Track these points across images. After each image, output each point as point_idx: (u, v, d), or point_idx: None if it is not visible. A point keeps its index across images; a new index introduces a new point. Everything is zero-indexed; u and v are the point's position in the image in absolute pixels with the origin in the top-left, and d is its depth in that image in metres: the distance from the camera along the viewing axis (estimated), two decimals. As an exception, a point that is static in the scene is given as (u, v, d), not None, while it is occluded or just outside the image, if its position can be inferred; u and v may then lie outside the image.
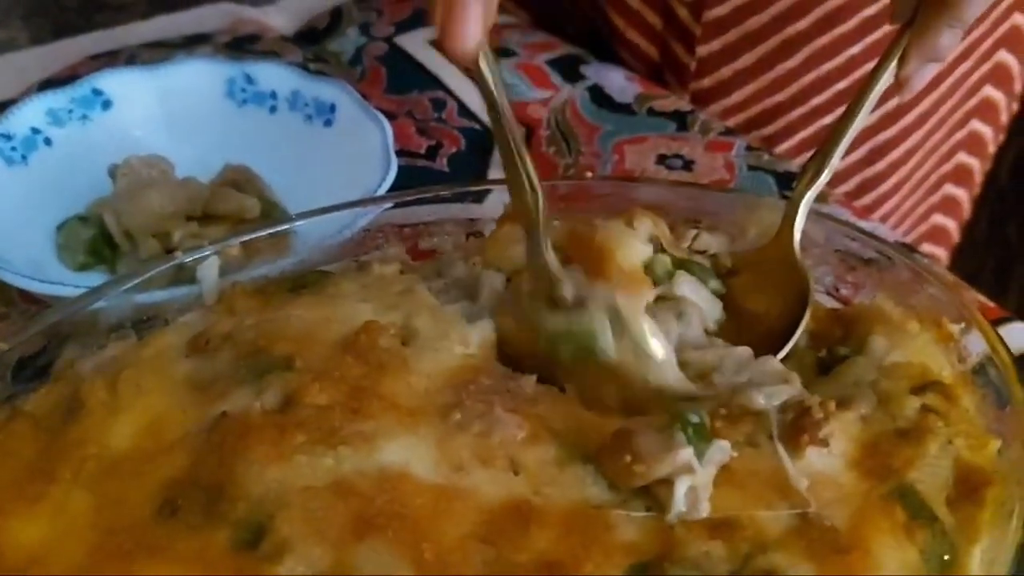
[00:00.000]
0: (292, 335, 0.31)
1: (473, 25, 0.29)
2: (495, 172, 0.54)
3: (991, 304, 0.46)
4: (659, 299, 0.32)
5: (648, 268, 0.32)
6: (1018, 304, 1.43)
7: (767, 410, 0.27)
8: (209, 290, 0.34)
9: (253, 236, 0.34)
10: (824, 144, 0.36)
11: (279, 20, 0.68)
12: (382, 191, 0.43)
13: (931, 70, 0.35)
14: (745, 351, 0.30)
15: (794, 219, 0.35)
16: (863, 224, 0.51)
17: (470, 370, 0.29)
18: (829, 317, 0.35)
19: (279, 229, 0.35)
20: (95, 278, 0.44)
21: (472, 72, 0.30)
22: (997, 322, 0.45)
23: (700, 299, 0.33)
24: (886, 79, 0.34)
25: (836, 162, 0.35)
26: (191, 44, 0.62)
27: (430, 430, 0.27)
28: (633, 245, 0.32)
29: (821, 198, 0.53)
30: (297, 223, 0.35)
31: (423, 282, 0.34)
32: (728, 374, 0.29)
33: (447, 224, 0.39)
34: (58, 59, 0.62)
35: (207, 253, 0.34)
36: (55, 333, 0.32)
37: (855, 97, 0.35)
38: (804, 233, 0.36)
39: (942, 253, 0.79)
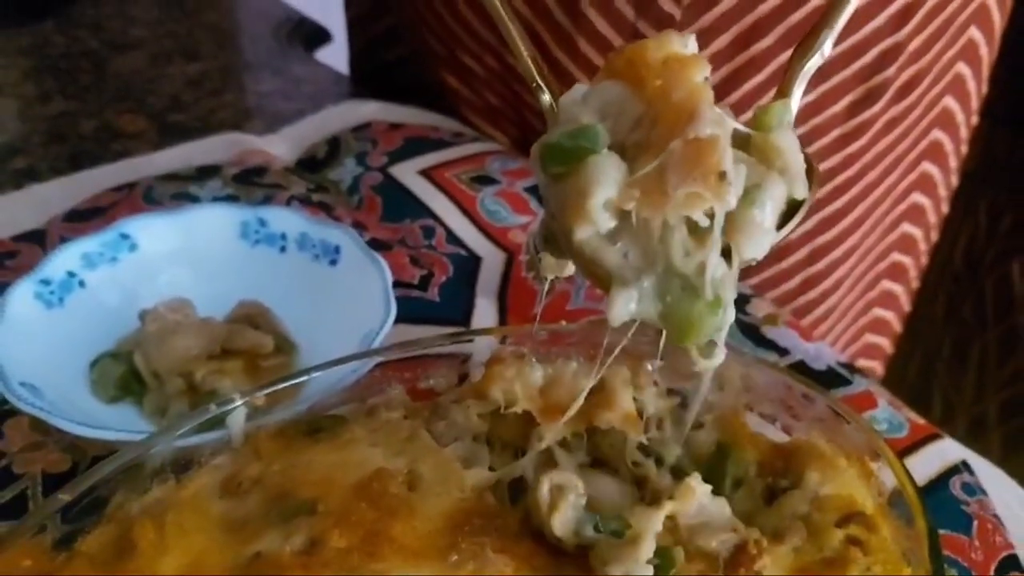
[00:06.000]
0: (314, 480, 0.36)
1: None
2: (481, 299, 0.60)
3: (921, 421, 0.52)
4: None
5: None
6: (976, 378, 1.50)
7: (717, 554, 0.32)
8: (237, 435, 0.39)
9: (277, 388, 0.40)
10: (822, 19, 0.35)
11: (281, 148, 0.75)
12: (384, 331, 0.48)
13: None
14: (705, 492, 0.36)
15: (789, 94, 0.34)
16: (809, 347, 0.57)
17: (464, 513, 0.35)
18: (772, 451, 0.40)
19: (299, 381, 0.41)
20: (125, 410, 0.49)
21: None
22: (927, 440, 0.51)
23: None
24: None
25: (836, 32, 0.34)
26: (203, 176, 0.68)
27: (432, 572, 0.32)
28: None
29: (771, 320, 0.60)
30: (314, 375, 0.41)
31: (425, 426, 0.39)
32: (690, 514, 0.34)
33: (442, 365, 0.44)
34: (78, 190, 0.67)
35: (238, 404, 0.39)
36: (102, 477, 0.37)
37: None
38: (749, 376, 0.42)
39: (885, 342, 0.86)
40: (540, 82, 0.35)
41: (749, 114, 0.65)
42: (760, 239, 0.30)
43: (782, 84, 0.35)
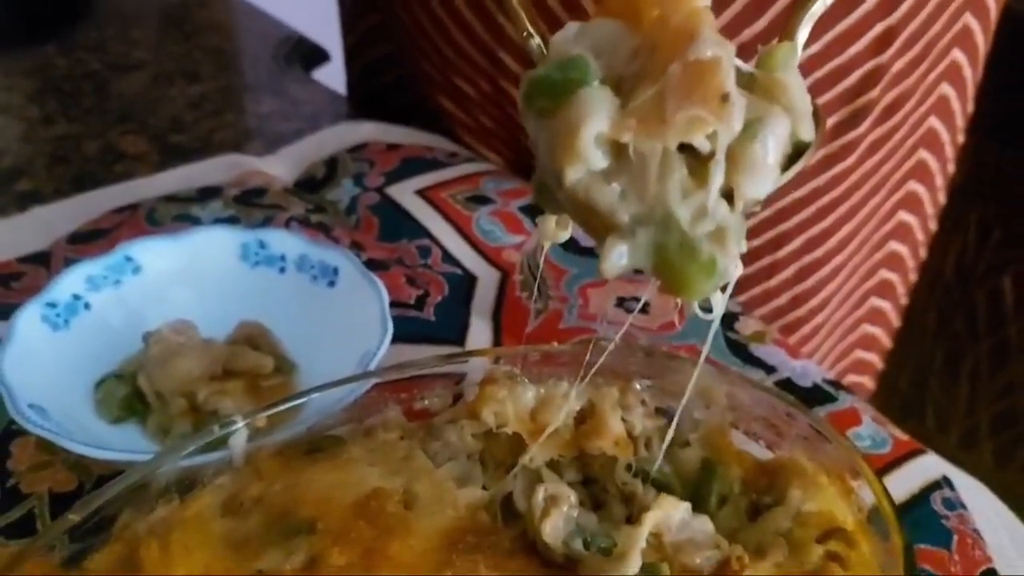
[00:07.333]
0: (313, 499, 0.37)
1: None
2: (476, 318, 0.61)
3: (904, 437, 0.53)
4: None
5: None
6: (968, 390, 1.52)
7: (701, 570, 0.34)
8: (238, 456, 0.41)
9: (278, 409, 0.41)
10: None
11: (280, 169, 0.76)
12: (381, 351, 0.50)
13: None
14: (686, 507, 0.37)
15: (794, 37, 0.32)
16: (796, 364, 0.58)
17: (458, 530, 0.36)
18: (756, 468, 0.42)
19: (299, 402, 0.42)
20: (129, 431, 0.50)
21: None
22: (909, 455, 0.52)
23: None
24: None
25: None
26: (204, 198, 0.69)
27: (428, 588, 0.33)
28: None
29: (758, 338, 0.61)
30: (313, 396, 0.42)
31: (420, 446, 0.41)
32: (673, 531, 0.36)
33: (437, 385, 0.46)
34: (82, 211, 0.69)
35: (239, 425, 0.40)
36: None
37: None
38: (734, 395, 0.43)
39: (874, 358, 0.88)
40: (530, 29, 0.33)
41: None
42: (762, 177, 0.29)
43: (787, 27, 0.33)
